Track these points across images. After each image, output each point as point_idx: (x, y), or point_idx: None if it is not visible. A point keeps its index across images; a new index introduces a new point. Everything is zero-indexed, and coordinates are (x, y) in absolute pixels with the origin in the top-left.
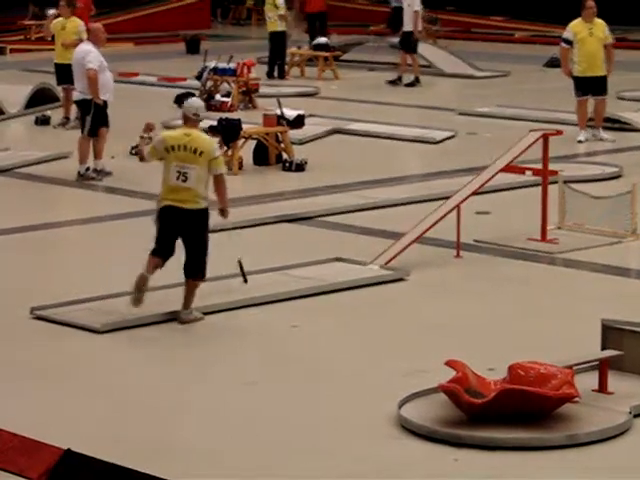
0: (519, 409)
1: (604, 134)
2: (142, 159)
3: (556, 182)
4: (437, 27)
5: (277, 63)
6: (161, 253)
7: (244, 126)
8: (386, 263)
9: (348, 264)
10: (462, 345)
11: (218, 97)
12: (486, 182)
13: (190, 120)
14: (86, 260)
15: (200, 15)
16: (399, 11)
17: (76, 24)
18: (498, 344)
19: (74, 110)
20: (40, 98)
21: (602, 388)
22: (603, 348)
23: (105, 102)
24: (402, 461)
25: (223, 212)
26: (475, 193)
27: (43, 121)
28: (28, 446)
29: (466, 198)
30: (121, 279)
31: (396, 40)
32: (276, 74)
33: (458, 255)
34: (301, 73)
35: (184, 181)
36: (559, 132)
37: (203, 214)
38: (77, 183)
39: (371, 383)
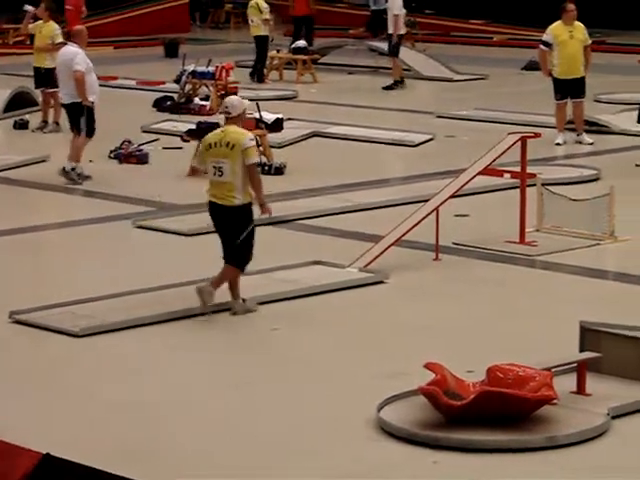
0: (498, 411)
1: (587, 138)
2: (194, 171)
3: (534, 185)
4: (416, 30)
5: (257, 67)
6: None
7: None
8: (365, 266)
9: (327, 267)
10: (441, 347)
11: (197, 101)
12: (464, 185)
13: (230, 118)
14: (65, 264)
15: (179, 19)
16: (378, 14)
17: (52, 28)
18: (477, 346)
19: (52, 114)
20: (19, 102)
21: (580, 390)
22: (581, 350)
23: (92, 104)
24: (381, 464)
25: (262, 207)
26: (454, 196)
27: (21, 125)
28: (6, 450)
29: (445, 201)
30: (100, 283)
31: (376, 43)
32: (255, 78)
33: (437, 258)
34: (280, 76)
35: (220, 176)
36: (537, 135)
37: (237, 211)
38: (56, 187)
39: (350, 386)
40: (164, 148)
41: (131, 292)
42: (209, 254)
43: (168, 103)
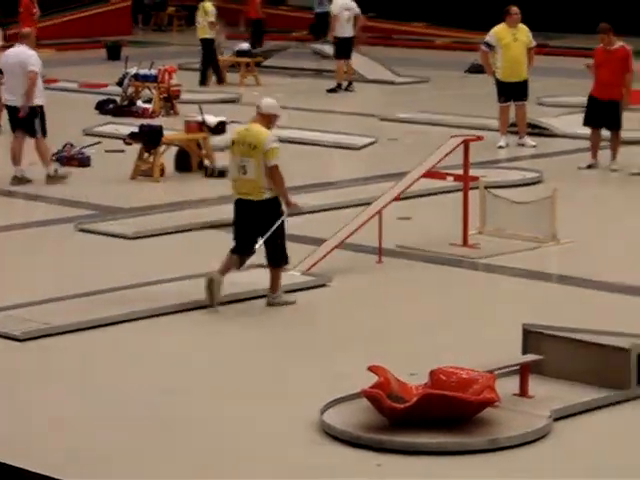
0: (441, 414)
1: (529, 140)
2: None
3: (477, 188)
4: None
5: (209, 69)
6: (239, 250)
7: (165, 132)
8: (308, 269)
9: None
10: (384, 350)
11: (139, 103)
12: (408, 188)
13: (258, 114)
14: (6, 267)
15: (121, 21)
16: (322, 17)
17: None
18: (420, 349)
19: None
20: None
21: (523, 392)
22: (524, 352)
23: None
24: (325, 467)
25: (288, 205)
26: (397, 199)
27: None
28: None
29: (388, 204)
30: (42, 286)
31: (319, 46)
32: (215, 80)
33: (380, 261)
34: (223, 79)
35: (244, 174)
36: (480, 138)
37: (268, 204)
38: None
39: (293, 389)
40: (107, 151)
41: (74, 296)
42: (153, 257)
43: (111, 106)
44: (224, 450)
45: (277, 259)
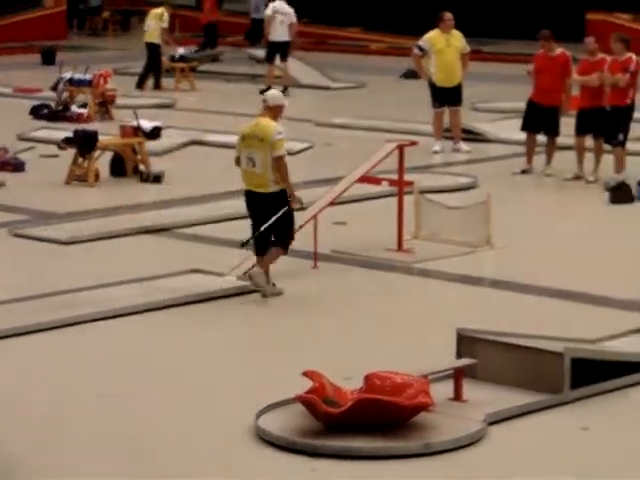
0: (375, 418)
1: (464, 146)
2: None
3: (412, 192)
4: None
5: (149, 74)
6: (257, 252)
7: (100, 137)
8: (244, 274)
9: (205, 275)
10: (319, 355)
11: (74, 108)
12: (343, 192)
13: (265, 108)
14: None
15: (56, 26)
16: (258, 23)
17: None
18: (355, 354)
19: None
20: None
21: (457, 396)
22: (458, 357)
23: None
24: (260, 472)
25: (291, 197)
26: (332, 204)
27: None
28: None
29: (323, 208)
30: None
31: (254, 51)
32: (152, 85)
33: (315, 266)
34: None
35: (252, 166)
36: (414, 143)
37: (275, 196)
38: None
39: (228, 394)
40: (41, 156)
41: (7, 301)
42: (88, 262)
43: (45, 111)
44: (159, 456)
45: (283, 240)
